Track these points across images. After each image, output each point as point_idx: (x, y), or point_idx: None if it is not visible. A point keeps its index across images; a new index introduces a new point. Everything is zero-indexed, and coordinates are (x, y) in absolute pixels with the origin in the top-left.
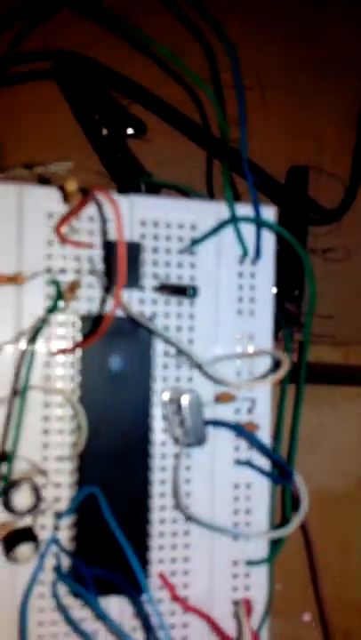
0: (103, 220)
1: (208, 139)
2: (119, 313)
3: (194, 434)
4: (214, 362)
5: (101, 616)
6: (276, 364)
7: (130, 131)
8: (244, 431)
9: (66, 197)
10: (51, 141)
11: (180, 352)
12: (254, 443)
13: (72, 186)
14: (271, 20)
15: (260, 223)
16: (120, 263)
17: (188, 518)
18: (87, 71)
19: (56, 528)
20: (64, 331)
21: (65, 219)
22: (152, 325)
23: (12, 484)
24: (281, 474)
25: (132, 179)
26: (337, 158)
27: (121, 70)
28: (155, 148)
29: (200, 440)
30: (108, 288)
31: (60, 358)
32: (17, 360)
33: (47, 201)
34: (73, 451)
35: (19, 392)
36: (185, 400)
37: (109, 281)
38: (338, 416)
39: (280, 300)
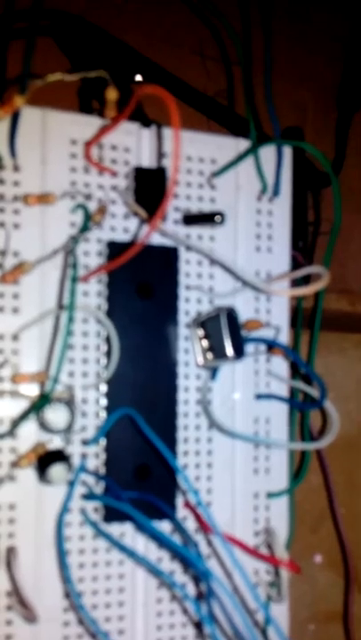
0: (133, 147)
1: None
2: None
3: (234, 347)
4: (235, 292)
5: (152, 532)
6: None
7: (138, 77)
8: (289, 349)
9: (102, 111)
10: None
11: (225, 269)
12: (297, 360)
13: (113, 94)
14: None
15: (281, 148)
16: (170, 188)
17: (212, 426)
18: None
19: (84, 455)
20: (88, 260)
21: (99, 134)
22: (195, 245)
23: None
24: (312, 400)
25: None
26: (319, 135)
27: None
28: None
29: (239, 353)
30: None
31: (87, 286)
32: (44, 282)
33: (71, 127)
34: (99, 378)
35: (49, 313)
36: (224, 314)
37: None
38: (345, 362)
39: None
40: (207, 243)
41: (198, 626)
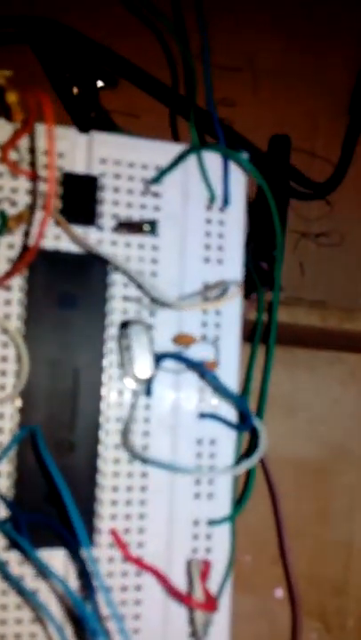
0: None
1: (174, 95)
2: (73, 249)
3: (142, 366)
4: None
5: (39, 566)
6: None
7: (100, 83)
8: (202, 368)
9: (9, 116)
10: None
11: (138, 286)
12: (210, 379)
13: (12, 97)
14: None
15: (226, 156)
16: (49, 188)
17: (144, 460)
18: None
19: None
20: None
21: (11, 140)
22: (107, 256)
23: None
24: (242, 420)
25: None
26: (330, 143)
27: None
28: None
29: (148, 373)
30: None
31: (4, 295)
32: None
33: None
34: (14, 392)
35: None
36: (131, 328)
37: (67, 217)
38: (316, 381)
39: (255, 259)
40: (150, 252)
41: None
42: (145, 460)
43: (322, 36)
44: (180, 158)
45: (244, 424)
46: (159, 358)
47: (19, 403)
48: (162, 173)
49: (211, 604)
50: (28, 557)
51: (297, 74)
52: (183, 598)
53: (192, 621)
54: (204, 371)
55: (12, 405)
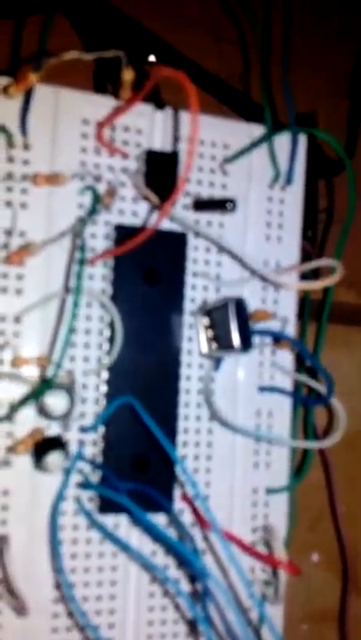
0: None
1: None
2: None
3: (241, 338)
4: (242, 281)
5: (148, 526)
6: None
7: (152, 58)
8: (297, 343)
9: (116, 92)
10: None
11: (233, 257)
12: (306, 355)
13: (129, 75)
14: None
15: (296, 136)
16: (184, 173)
17: (213, 418)
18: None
19: (82, 443)
20: (95, 243)
21: (113, 115)
22: (206, 232)
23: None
24: (317, 395)
25: None
26: (330, 122)
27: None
28: None
29: (246, 345)
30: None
31: (92, 270)
32: (49, 264)
33: (84, 106)
34: (100, 364)
35: (54, 295)
36: (233, 303)
37: (154, 193)
38: (350, 356)
39: None
40: (216, 229)
41: (191, 623)
42: (232, 427)
43: (319, 21)
44: (262, 139)
45: (320, 400)
46: (253, 333)
47: (105, 374)
48: (240, 153)
49: (294, 566)
50: (136, 519)
51: (299, 55)
52: (269, 560)
53: (269, 581)
54: (300, 346)
55: (97, 377)
